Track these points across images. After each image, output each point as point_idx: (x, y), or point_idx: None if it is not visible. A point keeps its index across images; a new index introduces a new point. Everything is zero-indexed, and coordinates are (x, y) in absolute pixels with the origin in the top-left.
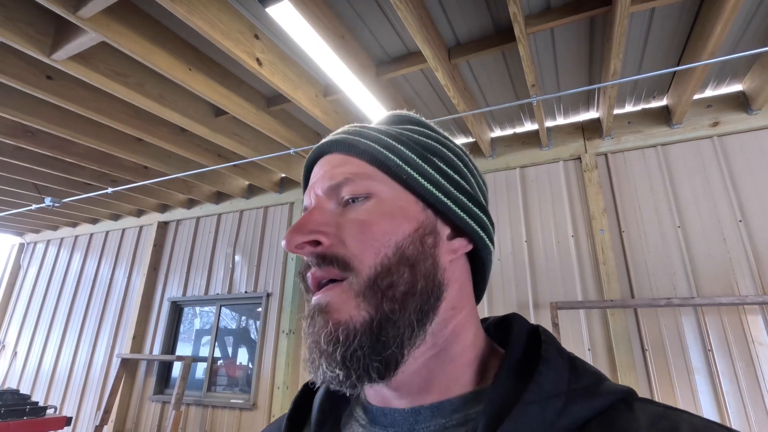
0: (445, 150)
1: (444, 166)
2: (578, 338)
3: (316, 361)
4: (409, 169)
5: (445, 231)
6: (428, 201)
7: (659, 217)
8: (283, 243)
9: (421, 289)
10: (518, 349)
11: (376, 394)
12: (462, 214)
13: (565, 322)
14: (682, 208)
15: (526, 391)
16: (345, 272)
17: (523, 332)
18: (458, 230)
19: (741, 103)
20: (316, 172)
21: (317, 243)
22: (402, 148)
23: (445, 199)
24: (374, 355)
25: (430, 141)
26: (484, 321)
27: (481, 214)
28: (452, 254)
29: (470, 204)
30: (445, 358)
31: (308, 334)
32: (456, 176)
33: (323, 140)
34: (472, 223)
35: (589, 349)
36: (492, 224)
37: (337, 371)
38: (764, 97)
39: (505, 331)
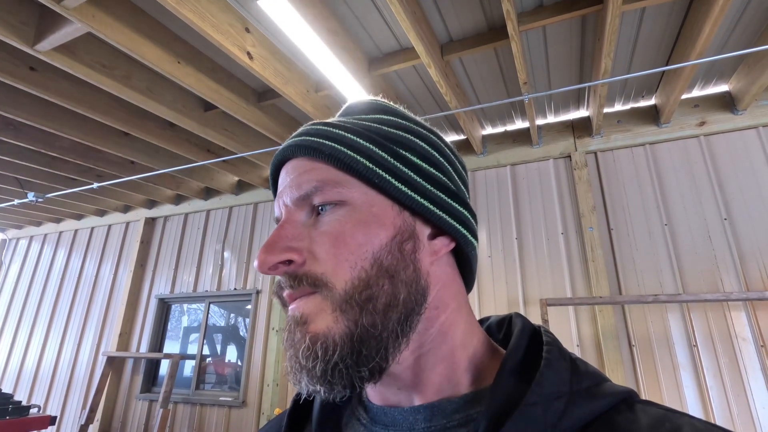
0: (418, 141)
1: (418, 161)
2: (567, 334)
3: (297, 375)
4: (380, 170)
5: (425, 231)
6: (404, 203)
7: (647, 215)
8: (256, 264)
9: (404, 299)
10: (520, 349)
11: (376, 393)
12: (440, 213)
13: (554, 318)
14: (669, 207)
15: (528, 393)
16: (316, 289)
17: (525, 332)
18: (439, 228)
19: (727, 103)
20: (283, 178)
21: (290, 261)
22: (371, 146)
23: (422, 200)
24: (357, 367)
25: (401, 132)
26: (485, 320)
27: (461, 209)
28: (434, 255)
29: (449, 200)
30: (436, 357)
31: (287, 347)
32: (432, 170)
33: (286, 143)
34: (452, 221)
35: (577, 345)
36: (474, 217)
37: (318, 386)
38: (750, 97)
39: (506, 331)
